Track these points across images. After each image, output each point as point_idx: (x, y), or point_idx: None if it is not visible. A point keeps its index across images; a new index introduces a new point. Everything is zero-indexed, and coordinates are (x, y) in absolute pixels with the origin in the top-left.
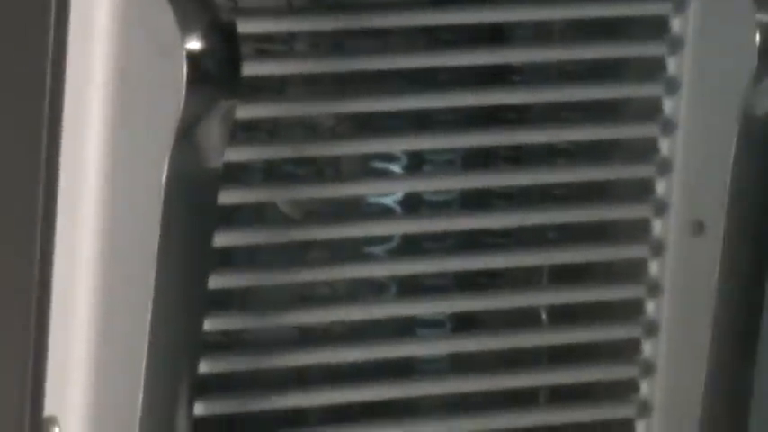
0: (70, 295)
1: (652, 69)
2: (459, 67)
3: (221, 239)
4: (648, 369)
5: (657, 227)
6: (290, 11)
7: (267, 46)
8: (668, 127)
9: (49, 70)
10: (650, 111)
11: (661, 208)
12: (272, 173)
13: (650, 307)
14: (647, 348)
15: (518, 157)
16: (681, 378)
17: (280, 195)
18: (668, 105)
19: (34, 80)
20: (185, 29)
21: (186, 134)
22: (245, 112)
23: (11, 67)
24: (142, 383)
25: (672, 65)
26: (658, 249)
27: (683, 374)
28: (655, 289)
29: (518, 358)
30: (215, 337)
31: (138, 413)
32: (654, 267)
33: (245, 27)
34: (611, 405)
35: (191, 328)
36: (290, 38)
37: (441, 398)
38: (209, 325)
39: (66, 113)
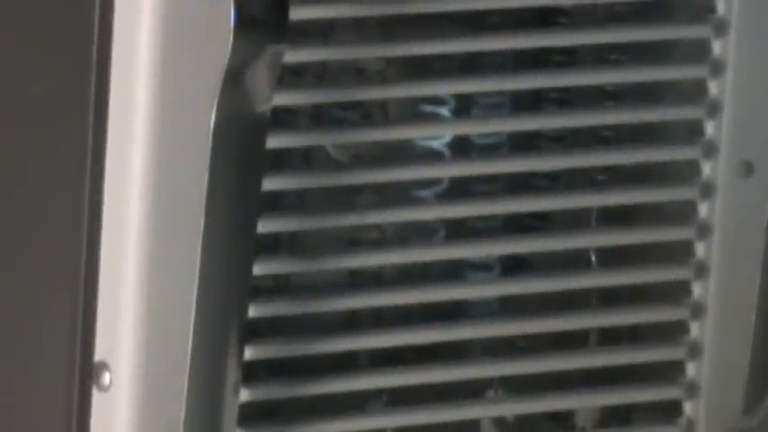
0: (120, 241)
1: (700, 10)
2: (507, 9)
3: (270, 184)
4: (698, 311)
5: (707, 168)
6: None
7: None
8: (717, 68)
9: (97, 16)
10: (699, 52)
11: (710, 149)
12: (321, 117)
13: (700, 248)
14: (697, 291)
15: (566, 99)
16: (731, 323)
17: (328, 139)
18: (717, 46)
19: (82, 26)
20: None
21: (234, 79)
22: (292, 56)
23: (59, 15)
24: (192, 328)
25: (721, 5)
26: (707, 191)
27: (732, 316)
28: (704, 230)
29: (567, 301)
30: (264, 281)
31: (188, 358)
32: (703, 209)
33: None
34: (660, 347)
35: (240, 272)
36: None
37: (490, 341)
38: (258, 269)
39: (114, 59)
